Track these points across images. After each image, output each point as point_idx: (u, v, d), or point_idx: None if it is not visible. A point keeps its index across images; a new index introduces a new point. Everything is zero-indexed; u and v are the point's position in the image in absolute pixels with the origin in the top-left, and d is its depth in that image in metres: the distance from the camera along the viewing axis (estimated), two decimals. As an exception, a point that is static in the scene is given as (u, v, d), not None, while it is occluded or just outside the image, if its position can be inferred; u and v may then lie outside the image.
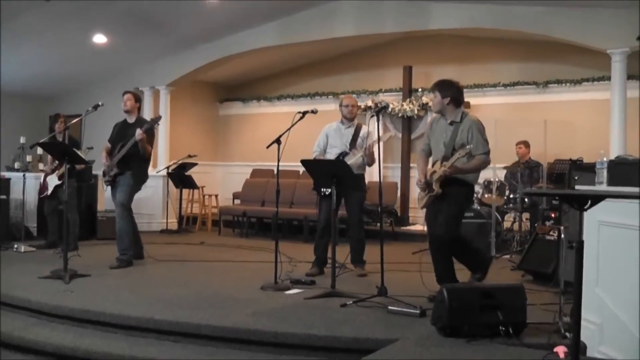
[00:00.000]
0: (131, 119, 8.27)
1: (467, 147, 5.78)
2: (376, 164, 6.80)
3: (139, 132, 7.78)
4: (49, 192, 9.49)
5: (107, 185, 8.27)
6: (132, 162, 8.00)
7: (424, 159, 6.36)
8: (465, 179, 6.04)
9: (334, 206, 6.62)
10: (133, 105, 8.27)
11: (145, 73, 13.34)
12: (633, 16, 8.21)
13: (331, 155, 7.68)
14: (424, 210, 6.33)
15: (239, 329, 4.95)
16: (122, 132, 8.23)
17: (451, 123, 6.04)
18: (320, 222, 7.45)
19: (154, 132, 8.41)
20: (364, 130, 7.65)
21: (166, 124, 13.20)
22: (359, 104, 9.08)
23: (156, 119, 8.20)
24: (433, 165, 6.14)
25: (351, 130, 7.78)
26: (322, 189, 7.24)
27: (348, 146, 7.68)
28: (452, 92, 6.03)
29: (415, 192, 12.58)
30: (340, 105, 7.97)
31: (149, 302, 5.76)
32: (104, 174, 8.22)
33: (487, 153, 5.95)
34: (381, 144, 6.52)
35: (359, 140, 7.64)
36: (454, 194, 5.98)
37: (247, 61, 13.51)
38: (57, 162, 9.22)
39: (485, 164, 6.03)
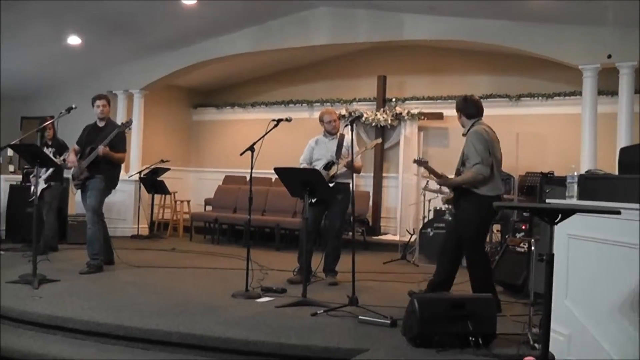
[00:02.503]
0: (101, 123, 8.21)
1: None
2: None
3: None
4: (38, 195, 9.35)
5: (77, 189, 8.19)
6: (102, 165, 7.95)
7: None
8: (473, 190, 6.04)
9: (306, 214, 6.63)
10: (108, 111, 8.26)
11: (119, 76, 13.24)
12: (604, 34, 8.34)
13: (318, 167, 7.67)
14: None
15: (210, 336, 4.93)
16: (92, 135, 8.16)
17: (464, 135, 6.28)
18: (308, 227, 7.15)
19: (125, 136, 8.31)
20: (347, 139, 7.50)
21: (139, 128, 13.15)
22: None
23: (126, 124, 8.13)
24: None
25: (335, 142, 7.81)
26: (310, 198, 7.10)
27: (334, 156, 7.70)
28: (461, 106, 6.38)
29: (387, 201, 12.70)
30: (321, 121, 7.98)
31: (119, 309, 5.71)
32: (73, 178, 8.14)
33: (480, 163, 5.92)
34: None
35: (344, 150, 7.64)
36: (464, 208, 6.14)
37: (221, 67, 13.49)
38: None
39: (478, 174, 5.96)
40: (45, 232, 8.96)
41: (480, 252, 6.15)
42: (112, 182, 8.20)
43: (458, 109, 6.40)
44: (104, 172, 7.99)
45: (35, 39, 11.15)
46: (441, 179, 6.49)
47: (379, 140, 9.32)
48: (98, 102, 8.20)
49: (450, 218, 9.94)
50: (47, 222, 9.08)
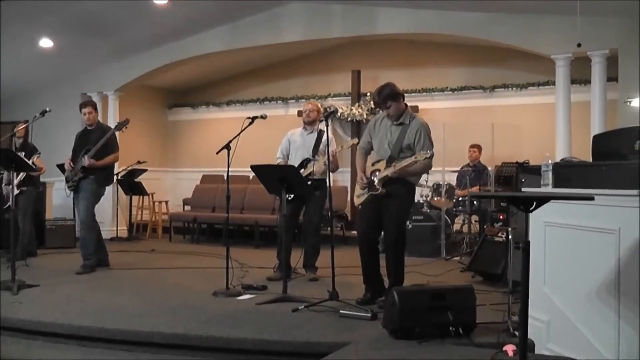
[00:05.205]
0: (91, 126, 8.38)
1: (416, 156, 5.81)
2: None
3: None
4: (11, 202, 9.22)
5: (70, 191, 8.23)
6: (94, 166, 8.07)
7: (363, 157, 6.38)
8: (408, 179, 6.09)
9: (284, 211, 6.65)
10: (95, 116, 8.44)
11: (92, 78, 13.12)
12: (575, 23, 8.40)
13: (294, 161, 7.67)
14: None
15: (191, 335, 4.94)
16: (83, 139, 8.32)
17: (400, 124, 6.07)
18: (286, 224, 7.16)
19: (116, 135, 8.49)
20: (325, 136, 7.25)
21: (114, 129, 13.11)
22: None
23: (123, 123, 8.32)
24: (374, 164, 6.18)
25: (313, 137, 7.78)
26: (287, 195, 7.09)
27: (311, 153, 7.69)
28: (400, 94, 6.06)
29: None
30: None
31: (100, 311, 5.70)
32: (67, 180, 8.25)
33: (431, 157, 5.88)
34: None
35: (321, 146, 7.62)
36: (401, 194, 6.03)
37: (195, 66, 13.45)
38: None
39: (427, 167, 6.09)
40: (21, 238, 8.86)
41: (405, 232, 6.22)
42: (105, 180, 8.38)
43: (396, 97, 6.00)
44: (95, 172, 8.12)
45: (7, 43, 11.04)
46: (398, 172, 5.97)
47: (355, 141, 9.34)
48: (84, 110, 8.36)
49: (428, 210, 10.00)
50: (23, 228, 8.97)
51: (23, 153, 8.84)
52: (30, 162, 8.48)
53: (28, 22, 10.42)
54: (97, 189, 8.22)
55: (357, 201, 6.33)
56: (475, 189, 10.15)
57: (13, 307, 5.86)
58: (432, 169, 6.54)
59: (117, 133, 8.44)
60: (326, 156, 7.12)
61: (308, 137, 7.82)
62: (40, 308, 5.84)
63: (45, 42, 11.35)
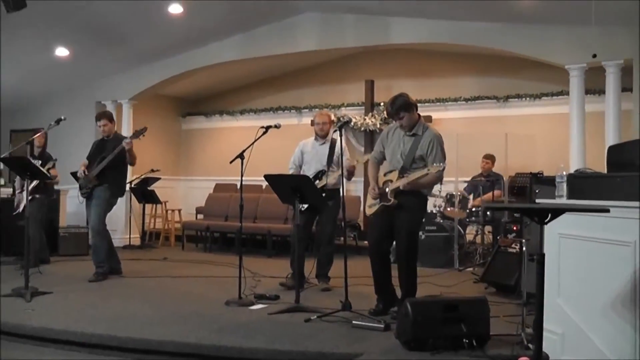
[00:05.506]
0: (108, 136, 8.53)
1: (429, 168, 5.78)
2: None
3: (127, 142, 8.09)
4: (21, 209, 9.28)
5: (83, 198, 8.32)
6: (108, 175, 8.16)
7: (375, 167, 6.36)
8: (421, 191, 6.06)
9: (298, 220, 6.64)
10: (111, 128, 8.57)
11: (107, 87, 13.18)
12: (589, 33, 8.37)
13: (307, 172, 7.66)
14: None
15: (203, 345, 4.93)
16: (99, 148, 8.45)
17: (413, 135, 6.04)
18: (299, 233, 7.08)
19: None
20: (338, 145, 7.15)
21: (128, 138, 13.15)
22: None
23: (142, 130, 8.40)
24: (386, 174, 6.16)
25: (326, 147, 7.77)
26: (301, 205, 7.06)
27: (325, 163, 7.67)
28: (413, 104, 6.03)
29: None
30: (313, 122, 8.02)
31: (112, 319, 5.71)
32: (81, 187, 8.33)
33: (443, 169, 5.86)
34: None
35: (335, 157, 7.60)
36: (413, 206, 5.99)
37: (209, 75, 13.48)
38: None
39: (439, 179, 6.07)
40: (31, 245, 8.88)
41: (417, 243, 6.21)
42: (118, 190, 8.45)
43: (409, 107, 5.98)
44: (110, 180, 8.22)
45: (23, 52, 11.11)
46: (410, 183, 5.94)
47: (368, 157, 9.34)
48: (99, 123, 8.54)
49: (441, 221, 9.97)
50: (32, 235, 9.00)
51: (40, 161, 8.90)
52: (45, 170, 8.54)
53: (43, 31, 10.49)
54: (110, 198, 8.27)
55: (369, 211, 6.30)
56: (487, 196, 10.12)
57: (26, 314, 5.88)
58: (445, 179, 6.53)
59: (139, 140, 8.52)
60: (344, 168, 7.07)
61: (321, 147, 7.81)
62: (53, 315, 5.85)
63: (61, 51, 11.42)
